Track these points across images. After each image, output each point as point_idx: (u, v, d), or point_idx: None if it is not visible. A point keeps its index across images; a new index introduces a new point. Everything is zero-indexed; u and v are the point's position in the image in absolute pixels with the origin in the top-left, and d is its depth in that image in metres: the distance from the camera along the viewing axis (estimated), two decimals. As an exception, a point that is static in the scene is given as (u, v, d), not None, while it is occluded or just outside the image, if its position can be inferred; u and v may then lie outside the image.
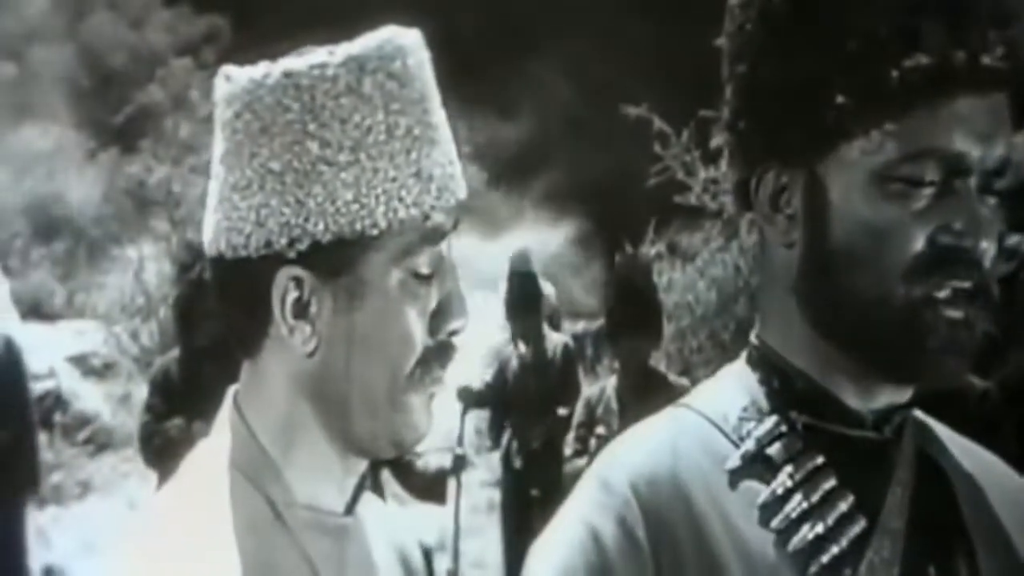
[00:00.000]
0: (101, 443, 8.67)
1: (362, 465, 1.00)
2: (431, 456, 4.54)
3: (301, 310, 0.92)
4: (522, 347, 5.51)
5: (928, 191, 0.90)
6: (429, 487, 4.55)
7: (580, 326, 10.14)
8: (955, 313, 0.90)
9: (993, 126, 0.89)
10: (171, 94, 16.21)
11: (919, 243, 0.90)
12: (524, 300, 5.49)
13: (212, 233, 0.95)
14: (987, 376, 2.79)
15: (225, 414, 0.98)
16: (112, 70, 16.71)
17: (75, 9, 16.83)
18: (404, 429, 0.95)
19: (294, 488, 0.95)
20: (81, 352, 9.61)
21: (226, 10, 17.14)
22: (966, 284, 0.90)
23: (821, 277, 0.95)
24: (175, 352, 4.65)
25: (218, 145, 0.96)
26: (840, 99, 0.90)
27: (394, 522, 1.10)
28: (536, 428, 5.32)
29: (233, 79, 0.94)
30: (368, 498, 1.04)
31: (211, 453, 0.97)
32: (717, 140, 7.28)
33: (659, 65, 12.19)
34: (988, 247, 0.90)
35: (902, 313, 0.91)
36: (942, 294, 0.90)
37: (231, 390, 0.99)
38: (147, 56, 16.95)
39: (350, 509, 0.99)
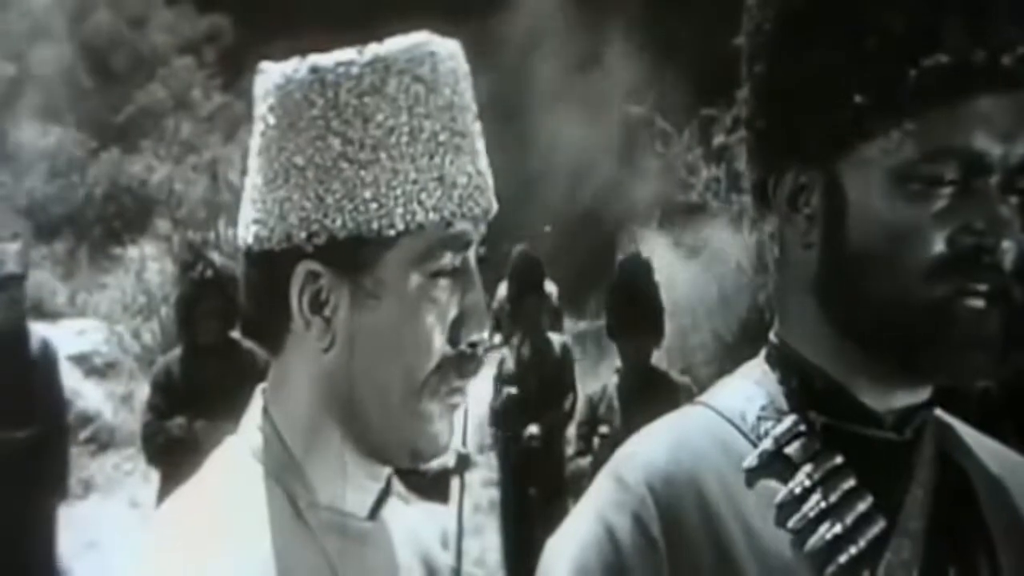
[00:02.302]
0: (103, 442, 8.66)
1: (385, 471, 0.99)
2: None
3: (318, 305, 0.93)
4: (516, 340, 5.49)
5: (948, 191, 0.89)
6: (432, 485, 4.53)
7: (582, 325, 10.13)
8: (978, 302, 0.89)
9: (1014, 125, 0.88)
10: (173, 93, 16.16)
11: (939, 244, 0.89)
12: (526, 279, 5.48)
13: (243, 225, 0.96)
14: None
15: (252, 411, 0.99)
16: (113, 69, 16.65)
17: (76, 9, 16.76)
18: (420, 438, 0.94)
19: (316, 488, 0.95)
20: (83, 351, 9.58)
21: (228, 9, 17.08)
22: (986, 286, 0.89)
23: (840, 278, 0.94)
24: (177, 351, 4.64)
25: (254, 140, 0.97)
26: (858, 98, 0.90)
27: (420, 527, 1.10)
28: (534, 426, 5.30)
29: (268, 74, 0.95)
30: (394, 503, 1.03)
31: (237, 449, 0.97)
32: (719, 139, 7.30)
33: (661, 64, 12.17)
34: (1009, 247, 0.89)
35: (923, 313, 0.90)
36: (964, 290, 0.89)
37: (259, 388, 1.00)
38: (148, 55, 16.89)
39: (373, 514, 0.99)
